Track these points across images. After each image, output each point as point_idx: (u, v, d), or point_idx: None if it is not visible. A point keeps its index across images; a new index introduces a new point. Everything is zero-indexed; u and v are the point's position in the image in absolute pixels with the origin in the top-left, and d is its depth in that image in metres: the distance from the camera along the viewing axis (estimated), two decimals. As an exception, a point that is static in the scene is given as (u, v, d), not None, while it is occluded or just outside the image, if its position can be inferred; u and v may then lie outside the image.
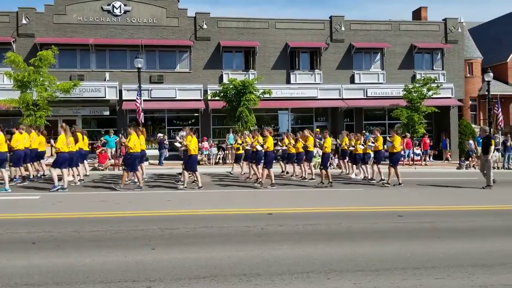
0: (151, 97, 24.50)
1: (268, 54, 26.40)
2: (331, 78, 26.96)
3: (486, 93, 25.19)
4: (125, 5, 24.85)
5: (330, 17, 27.20)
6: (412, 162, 23.44)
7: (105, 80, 24.28)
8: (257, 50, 26.06)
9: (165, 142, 22.20)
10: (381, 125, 28.18)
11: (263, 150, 13.35)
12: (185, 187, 12.48)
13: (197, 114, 25.81)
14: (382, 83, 27.47)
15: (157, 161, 21.66)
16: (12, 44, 23.53)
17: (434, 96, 24.18)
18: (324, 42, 26.91)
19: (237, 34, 26.17)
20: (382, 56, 27.84)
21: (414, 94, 23.90)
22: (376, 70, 27.85)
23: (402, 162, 21.79)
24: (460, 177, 17.63)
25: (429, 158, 24.85)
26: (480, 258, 5.77)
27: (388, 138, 14.82)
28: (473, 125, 29.35)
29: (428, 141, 25.16)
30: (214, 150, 22.34)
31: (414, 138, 24.33)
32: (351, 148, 16.14)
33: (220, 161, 22.13)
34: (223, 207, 9.58)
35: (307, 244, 6.37)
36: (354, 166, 16.61)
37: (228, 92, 22.05)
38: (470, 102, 31.23)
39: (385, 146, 14.95)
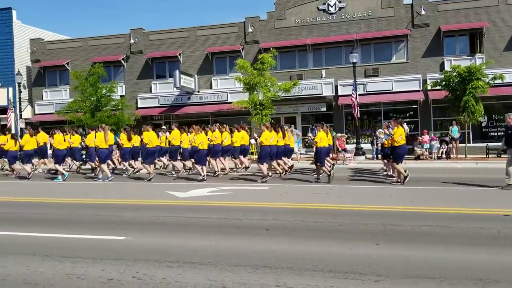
0: (366, 91, 24.42)
1: (499, 34, 23.24)
2: None
3: None
4: (339, 2, 25.31)
5: None
6: None
7: (321, 77, 25.27)
8: (484, 31, 23.24)
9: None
10: None
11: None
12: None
13: (415, 106, 24.55)
14: None
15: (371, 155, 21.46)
16: (241, 51, 26.56)
17: None
18: None
19: (459, 16, 23.82)
20: None
21: None
22: None
23: None
24: None
25: None
26: None
27: (388, 130, 12.72)
28: None
29: None
30: (436, 143, 20.76)
31: None
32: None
33: (443, 155, 20.49)
34: (445, 206, 8.85)
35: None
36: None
37: (451, 80, 20.25)
38: None
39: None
